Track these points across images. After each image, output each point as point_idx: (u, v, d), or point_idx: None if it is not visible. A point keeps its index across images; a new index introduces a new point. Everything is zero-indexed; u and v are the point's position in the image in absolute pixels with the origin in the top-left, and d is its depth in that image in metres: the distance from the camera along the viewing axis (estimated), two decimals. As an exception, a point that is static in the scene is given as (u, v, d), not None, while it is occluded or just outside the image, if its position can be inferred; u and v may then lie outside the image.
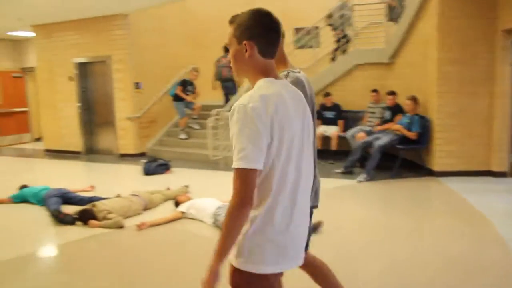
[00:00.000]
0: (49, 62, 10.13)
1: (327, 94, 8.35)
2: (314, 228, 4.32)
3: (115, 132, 9.57)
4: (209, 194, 5.41)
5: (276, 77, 1.71)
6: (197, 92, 9.38)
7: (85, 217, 4.87)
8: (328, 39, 9.31)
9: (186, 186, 6.18)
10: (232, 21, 1.72)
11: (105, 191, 6.04)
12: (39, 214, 5.38)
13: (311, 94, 2.29)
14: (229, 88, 9.19)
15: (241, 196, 1.54)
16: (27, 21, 9.67)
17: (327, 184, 6.59)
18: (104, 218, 4.82)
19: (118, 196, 5.45)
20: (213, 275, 1.61)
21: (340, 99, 8.45)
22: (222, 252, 1.59)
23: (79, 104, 9.81)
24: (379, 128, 7.32)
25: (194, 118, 9.53)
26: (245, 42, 1.65)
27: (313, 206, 2.36)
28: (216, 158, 7.84)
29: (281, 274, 1.77)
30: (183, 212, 5.03)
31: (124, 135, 9.50)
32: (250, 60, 1.68)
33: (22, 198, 5.93)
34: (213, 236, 4.41)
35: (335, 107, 8.36)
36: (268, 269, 1.66)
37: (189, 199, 5.30)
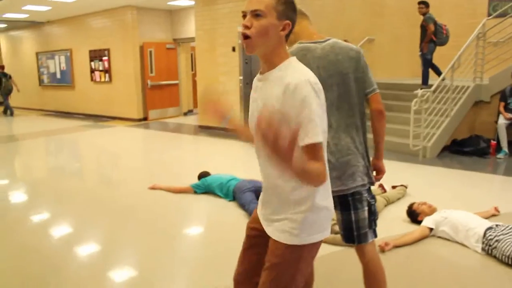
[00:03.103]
0: (210, 32, 9.33)
1: None
2: None
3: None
4: (430, 199, 4.18)
5: None
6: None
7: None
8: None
9: (405, 186, 4.81)
10: None
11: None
12: (235, 214, 4.41)
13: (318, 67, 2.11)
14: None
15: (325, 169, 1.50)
16: (191, -13, 8.95)
17: None
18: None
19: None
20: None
21: None
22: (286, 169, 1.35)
23: (240, 78, 8.88)
24: None
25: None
26: (287, 22, 1.55)
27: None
28: (417, 148, 6.34)
29: None
30: (431, 229, 3.68)
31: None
32: (281, 39, 1.57)
33: (206, 188, 5.04)
34: (481, 270, 3.16)
35: None
36: (325, 234, 1.68)
37: (433, 210, 3.91)
